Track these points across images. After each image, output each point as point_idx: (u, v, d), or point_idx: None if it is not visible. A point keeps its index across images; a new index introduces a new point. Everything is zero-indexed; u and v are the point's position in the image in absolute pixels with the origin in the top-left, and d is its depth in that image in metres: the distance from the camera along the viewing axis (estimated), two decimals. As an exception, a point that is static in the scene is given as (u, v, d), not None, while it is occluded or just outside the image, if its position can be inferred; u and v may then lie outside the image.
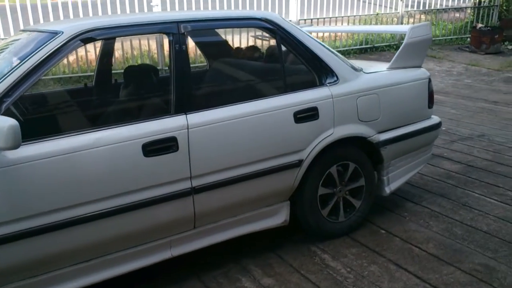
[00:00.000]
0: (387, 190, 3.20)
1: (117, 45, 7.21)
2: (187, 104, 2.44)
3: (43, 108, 2.99)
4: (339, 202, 3.04)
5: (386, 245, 2.95)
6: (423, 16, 11.70)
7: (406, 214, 3.35)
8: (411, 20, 11.15)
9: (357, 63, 3.48)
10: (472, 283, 2.53)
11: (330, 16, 9.81)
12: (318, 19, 9.73)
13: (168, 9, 8.28)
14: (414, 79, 3.21)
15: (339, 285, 2.57)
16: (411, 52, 3.23)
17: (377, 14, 10.58)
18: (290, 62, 2.95)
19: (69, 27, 2.25)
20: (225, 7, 8.65)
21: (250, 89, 2.88)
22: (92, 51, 7.33)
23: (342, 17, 10.01)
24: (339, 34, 10.16)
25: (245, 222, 2.76)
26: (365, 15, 10.44)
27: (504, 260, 2.72)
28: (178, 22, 2.49)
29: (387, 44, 10.62)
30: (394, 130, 3.12)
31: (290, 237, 3.06)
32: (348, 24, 10.09)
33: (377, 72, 3.16)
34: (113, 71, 3.40)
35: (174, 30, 2.46)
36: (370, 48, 10.54)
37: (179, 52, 2.45)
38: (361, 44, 10.36)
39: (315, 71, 2.85)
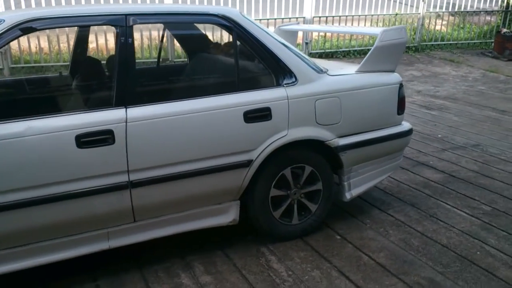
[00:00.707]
0: (348, 195, 3.14)
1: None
2: (129, 97, 2.44)
3: None
4: (293, 205, 2.99)
5: (336, 251, 2.90)
6: (451, 18, 11.38)
7: (368, 221, 3.28)
8: (434, 21, 10.87)
9: (331, 64, 3.43)
10: (411, 297, 2.46)
11: (347, 14, 9.66)
12: (333, 17, 9.61)
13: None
14: (381, 84, 3.12)
15: (275, 288, 2.54)
16: (383, 56, 3.15)
17: (396, 14, 10.36)
18: (247, 61, 2.91)
19: (11, 16, 2.28)
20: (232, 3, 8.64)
21: (199, 86, 2.87)
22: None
23: (359, 15, 9.85)
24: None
25: (191, 219, 2.75)
26: (383, 15, 10.23)
27: (452, 276, 2.63)
28: (126, 15, 2.48)
29: (406, 45, 10.37)
30: (356, 135, 3.05)
31: (244, 237, 3.04)
32: (364, 24, 9.92)
33: (342, 75, 3.09)
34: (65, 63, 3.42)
35: (122, 23, 2.46)
36: (387, 49, 10.31)
37: (124, 45, 2.45)
38: (378, 45, 10.15)
39: (273, 71, 2.81)
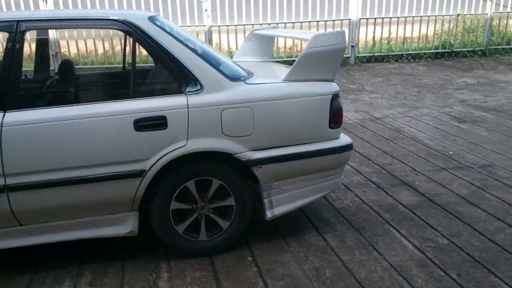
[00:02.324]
0: (269, 214, 2.91)
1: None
2: (9, 101, 2.44)
3: None
4: (200, 220, 2.83)
5: (235, 274, 2.70)
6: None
7: (295, 243, 3.02)
8: (504, 22, 9.87)
9: (271, 71, 3.21)
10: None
11: (398, 16, 9.07)
12: (383, 18, 9.07)
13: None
14: (307, 94, 2.84)
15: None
16: (315, 64, 2.87)
17: (458, 15, 9.54)
18: (147, 67, 2.79)
19: None
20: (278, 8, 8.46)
21: (88, 92, 2.79)
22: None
23: (413, 17, 9.19)
24: (408, 36, 9.36)
25: (85, 226, 2.70)
26: (442, 16, 9.46)
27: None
28: (18, 21, 2.49)
29: (470, 49, 9.55)
30: (275, 149, 2.81)
31: (156, 249, 2.92)
32: (419, 26, 9.26)
33: (262, 83, 2.86)
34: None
35: (12, 29, 2.47)
36: (448, 53, 9.57)
37: (10, 50, 2.46)
38: (436, 48, 9.44)
39: (175, 78, 2.68)
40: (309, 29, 8.81)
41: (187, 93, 2.65)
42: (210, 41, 8.59)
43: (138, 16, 2.70)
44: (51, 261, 2.83)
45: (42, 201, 2.54)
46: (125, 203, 2.68)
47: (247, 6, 8.54)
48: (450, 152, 4.75)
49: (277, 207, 2.93)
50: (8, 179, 2.44)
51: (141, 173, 2.61)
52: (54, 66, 7.43)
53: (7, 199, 2.47)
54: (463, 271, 2.70)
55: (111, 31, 2.82)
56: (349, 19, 8.84)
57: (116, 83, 2.88)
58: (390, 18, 9.08)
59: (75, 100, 2.60)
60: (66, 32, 6.81)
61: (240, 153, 2.72)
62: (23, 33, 2.50)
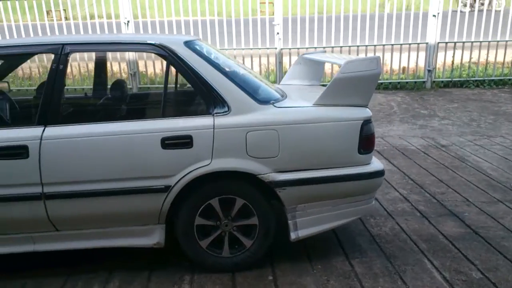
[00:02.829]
0: (293, 235, 2.94)
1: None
2: (50, 117, 2.71)
3: None
4: (223, 237, 2.92)
5: (252, 293, 2.74)
6: None
7: (320, 267, 3.01)
8: None
9: (318, 94, 3.24)
10: None
11: (481, 40, 8.65)
12: (463, 42, 8.69)
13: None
14: (336, 119, 2.85)
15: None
16: (347, 89, 2.88)
17: (550, 40, 8.88)
18: (179, 89, 2.96)
19: None
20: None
21: (121, 111, 2.99)
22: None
23: (497, 41, 8.70)
24: (491, 60, 8.87)
25: (115, 236, 2.91)
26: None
27: None
28: (63, 44, 2.78)
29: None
30: (300, 172, 2.85)
31: (180, 261, 3.06)
32: (504, 51, 8.74)
33: (291, 107, 2.92)
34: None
35: (57, 52, 2.76)
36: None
37: (55, 70, 2.74)
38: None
39: (204, 99, 2.83)
40: (384, 52, 8.67)
41: (214, 114, 2.77)
42: (280, 63, 8.75)
43: (174, 41, 2.89)
44: (84, 266, 3.05)
45: (75, 210, 2.77)
46: (152, 216, 2.84)
47: (319, 30, 8.61)
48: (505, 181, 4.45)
49: (301, 229, 2.95)
50: (45, 188, 2.69)
51: (166, 189, 2.76)
52: (132, 85, 8.07)
53: (44, 206, 2.72)
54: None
55: (152, 55, 3.07)
56: (427, 43, 8.58)
57: (149, 102, 3.07)
58: (472, 42, 8.67)
59: (109, 118, 2.81)
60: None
61: (264, 174, 2.78)
62: (67, 55, 2.77)
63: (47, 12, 9.12)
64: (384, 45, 8.68)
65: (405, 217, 3.75)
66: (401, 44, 8.69)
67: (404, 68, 9.08)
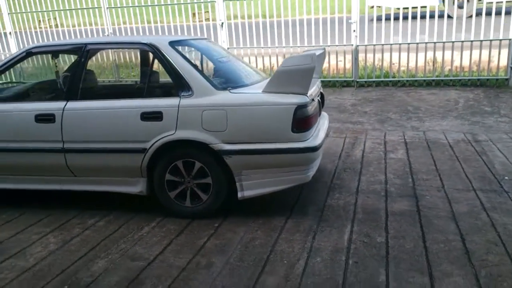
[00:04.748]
0: (240, 195, 3.75)
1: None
2: (70, 94, 3.89)
3: None
4: (186, 191, 3.83)
5: (196, 232, 3.62)
6: None
7: (260, 222, 3.75)
8: None
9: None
10: None
11: None
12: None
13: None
14: (273, 103, 3.54)
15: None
16: (287, 79, 3.55)
17: None
18: (159, 77, 3.92)
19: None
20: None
21: (119, 91, 4.04)
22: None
23: None
24: None
25: (112, 183, 4.01)
26: None
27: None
28: (86, 44, 3.94)
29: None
30: (242, 144, 3.62)
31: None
32: None
33: (242, 93, 3.70)
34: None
35: (81, 49, 3.94)
36: None
37: (77, 62, 3.91)
38: None
39: (176, 85, 3.76)
40: (462, 49, 8.75)
41: (182, 96, 3.69)
42: (356, 59, 9.25)
43: (160, 41, 3.88)
44: (90, 208, 4.21)
45: (84, 161, 3.91)
46: (136, 170, 3.86)
47: (395, 27, 8.94)
48: (506, 178, 4.60)
49: (247, 190, 3.73)
50: (65, 145, 3.86)
51: (143, 150, 3.76)
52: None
53: (64, 157, 3.89)
54: (363, 260, 3.09)
55: (143, 52, 4.24)
56: (510, 39, 8.45)
57: (136, 86, 4.10)
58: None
59: (107, 97, 3.89)
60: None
61: (214, 144, 3.63)
62: (88, 51, 3.91)
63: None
64: (462, 41, 8.72)
65: (368, 195, 4.24)
66: (481, 41, 8.64)
67: (481, 64, 8.96)
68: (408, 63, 9.16)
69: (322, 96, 4.40)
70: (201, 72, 3.77)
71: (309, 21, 9.34)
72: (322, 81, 9.58)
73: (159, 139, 3.70)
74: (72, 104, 3.88)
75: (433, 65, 9.13)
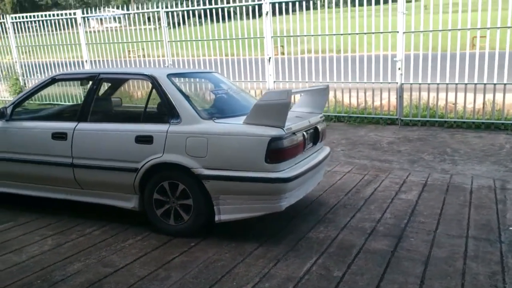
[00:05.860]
0: (217, 218, 3.99)
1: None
2: (81, 117, 4.44)
3: None
4: (171, 210, 4.18)
5: (171, 250, 3.94)
6: None
7: (233, 245, 3.99)
8: None
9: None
10: None
11: None
12: None
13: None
14: (249, 134, 3.77)
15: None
16: (264, 113, 3.80)
17: None
18: (155, 104, 4.34)
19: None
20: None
21: (119, 116, 4.50)
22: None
23: None
24: None
25: (110, 197, 4.43)
26: None
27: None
28: (99, 73, 4.50)
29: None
30: (220, 170, 3.88)
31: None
32: None
33: (223, 123, 3.98)
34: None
35: (94, 78, 4.50)
36: None
37: (91, 89, 4.47)
38: None
39: (167, 112, 4.14)
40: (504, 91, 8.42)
41: (171, 123, 4.08)
42: (401, 97, 9.20)
43: (159, 73, 4.32)
44: (90, 219, 4.64)
45: (88, 176, 4.38)
46: (129, 187, 4.26)
47: (442, 66, 8.84)
48: (511, 228, 4.43)
49: (223, 214, 3.98)
50: (74, 160, 4.38)
51: (136, 170, 4.16)
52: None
53: (73, 171, 4.41)
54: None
55: (145, 82, 4.79)
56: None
57: (135, 112, 4.54)
58: None
59: (109, 121, 4.38)
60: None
61: (195, 168, 3.94)
62: (99, 80, 4.45)
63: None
64: (505, 84, 8.46)
65: (352, 231, 4.25)
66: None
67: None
68: (456, 103, 8.95)
69: (316, 130, 4.58)
70: (190, 102, 4.12)
71: (354, 58, 9.49)
72: (365, 118, 9.75)
73: (149, 161, 4.08)
74: (82, 125, 4.41)
75: (483, 107, 8.85)
